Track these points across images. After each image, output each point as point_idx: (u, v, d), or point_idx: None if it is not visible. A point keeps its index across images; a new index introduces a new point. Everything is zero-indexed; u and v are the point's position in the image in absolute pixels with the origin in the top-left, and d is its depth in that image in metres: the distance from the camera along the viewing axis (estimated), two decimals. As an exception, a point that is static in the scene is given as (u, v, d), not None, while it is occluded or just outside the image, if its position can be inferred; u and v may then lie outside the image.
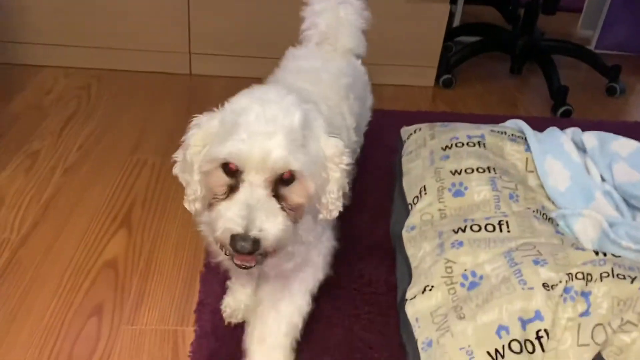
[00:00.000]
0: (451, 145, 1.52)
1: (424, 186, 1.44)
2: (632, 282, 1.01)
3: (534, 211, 1.31)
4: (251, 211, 0.83)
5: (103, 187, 1.69)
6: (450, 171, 1.43)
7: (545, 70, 2.52)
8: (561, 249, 1.14)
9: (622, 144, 1.50)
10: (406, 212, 1.44)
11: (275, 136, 0.83)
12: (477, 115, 2.38)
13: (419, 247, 1.29)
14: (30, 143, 1.88)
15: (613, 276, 1.03)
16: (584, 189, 1.40)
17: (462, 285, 1.13)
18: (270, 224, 0.83)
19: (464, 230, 1.25)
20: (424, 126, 1.72)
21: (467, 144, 1.51)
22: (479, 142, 1.51)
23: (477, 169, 1.41)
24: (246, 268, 0.89)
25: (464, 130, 1.57)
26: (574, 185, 1.41)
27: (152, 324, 1.26)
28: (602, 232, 1.25)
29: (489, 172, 1.40)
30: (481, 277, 1.12)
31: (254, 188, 0.84)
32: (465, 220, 1.28)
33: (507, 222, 1.25)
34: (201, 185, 0.93)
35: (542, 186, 1.45)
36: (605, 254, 1.11)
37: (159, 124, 2.07)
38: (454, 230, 1.26)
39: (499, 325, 1.02)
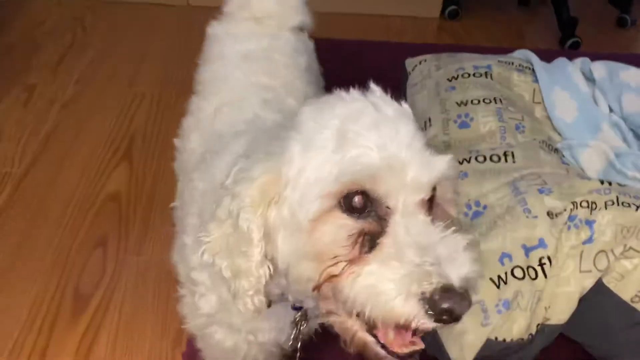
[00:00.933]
0: (457, 76, 1.49)
1: (429, 118, 1.41)
2: (637, 209, 1.01)
3: (540, 142, 1.29)
4: (435, 254, 0.53)
5: (102, 121, 1.67)
6: (456, 102, 1.40)
7: (555, 1, 2.43)
8: (567, 178, 1.13)
9: (632, 75, 1.46)
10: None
11: (417, 140, 0.58)
12: (483, 47, 2.31)
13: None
14: (26, 76, 1.85)
15: (618, 204, 1.02)
16: (590, 120, 1.37)
17: (466, 214, 1.13)
18: (467, 265, 0.54)
19: (468, 161, 1.23)
20: (429, 57, 1.67)
21: (474, 74, 1.48)
22: (485, 73, 1.48)
23: (484, 100, 1.38)
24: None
25: (470, 61, 1.53)
26: (580, 117, 1.39)
27: (158, 254, 1.27)
28: (608, 162, 1.24)
29: (496, 102, 1.37)
30: (485, 207, 1.12)
31: (412, 217, 0.56)
32: (471, 152, 1.26)
33: (512, 152, 1.23)
34: (271, 263, 0.61)
35: (548, 117, 1.43)
36: (610, 183, 1.11)
37: (156, 57, 2.02)
38: (458, 162, 1.24)
39: (502, 252, 1.03)
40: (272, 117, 0.85)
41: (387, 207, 0.56)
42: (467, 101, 1.39)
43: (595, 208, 1.03)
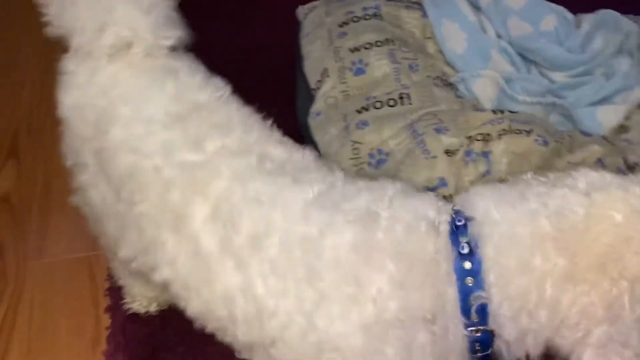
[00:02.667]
0: (348, 21, 1.45)
1: (325, 69, 1.38)
2: (527, 134, 1.04)
3: (433, 78, 1.29)
4: None
5: (-22, 119, 1.53)
6: (349, 49, 1.38)
7: None
8: (461, 113, 1.14)
9: (515, -2, 1.49)
10: (310, 98, 1.40)
11: None
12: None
13: (325, 132, 1.26)
14: None
15: (510, 132, 1.05)
16: (480, 49, 1.39)
17: (370, 164, 1.13)
18: None
19: (367, 109, 1.22)
20: (319, 3, 1.62)
21: (364, 17, 1.45)
22: (374, 14, 1.45)
23: (376, 43, 1.36)
24: None
25: (359, 3, 1.50)
26: (470, 47, 1.40)
27: (62, 255, 1.20)
28: (500, 89, 1.27)
29: (388, 44, 1.36)
30: (387, 154, 1.12)
31: None
32: (368, 99, 1.25)
33: (408, 94, 1.23)
34: None
35: (441, 52, 1.44)
36: (502, 112, 1.13)
37: (32, 41, 1.85)
38: (357, 111, 1.23)
39: (407, 197, 1.04)
40: None
41: None
42: (359, 46, 1.37)
43: (490, 139, 1.05)
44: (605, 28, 1.40)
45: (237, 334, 0.68)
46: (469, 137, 1.05)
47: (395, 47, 1.35)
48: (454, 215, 0.61)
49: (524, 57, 1.39)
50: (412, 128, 1.12)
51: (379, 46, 1.35)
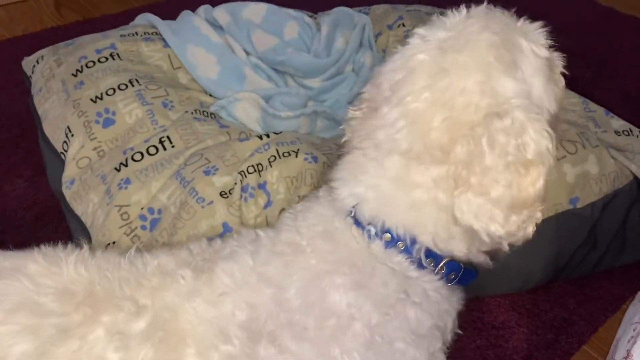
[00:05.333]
0: (81, 67, 1.29)
1: (68, 127, 1.21)
2: (296, 156, 1.01)
3: (192, 112, 1.20)
4: None
5: None
6: (91, 99, 1.22)
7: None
8: (228, 146, 1.08)
9: (253, 10, 1.46)
10: (61, 164, 1.21)
11: None
12: (114, 14, 2.11)
13: (85, 201, 1.10)
14: None
15: (280, 157, 1.01)
16: (233, 70, 1.34)
17: (144, 227, 1.00)
18: None
19: (126, 165, 1.09)
20: (45, 52, 1.42)
21: (99, 60, 1.29)
22: (111, 54, 1.31)
23: (119, 87, 1.22)
24: None
25: (90, 45, 1.34)
26: (223, 70, 1.34)
27: None
28: (261, 109, 1.23)
29: (133, 85, 1.23)
30: (160, 211, 1.01)
31: None
32: (125, 152, 1.12)
33: (167, 136, 1.13)
34: None
35: (195, 80, 1.35)
36: (268, 135, 1.09)
37: None
38: (116, 169, 1.09)
39: (192, 254, 0.94)
40: None
41: None
42: (101, 94, 1.22)
43: (262, 169, 1.00)
44: (342, 26, 1.44)
45: None
46: (241, 172, 0.99)
47: (142, 87, 1.23)
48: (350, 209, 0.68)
49: (277, 71, 1.38)
50: (179, 175, 1.03)
51: (123, 90, 1.22)
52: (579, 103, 1.24)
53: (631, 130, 1.21)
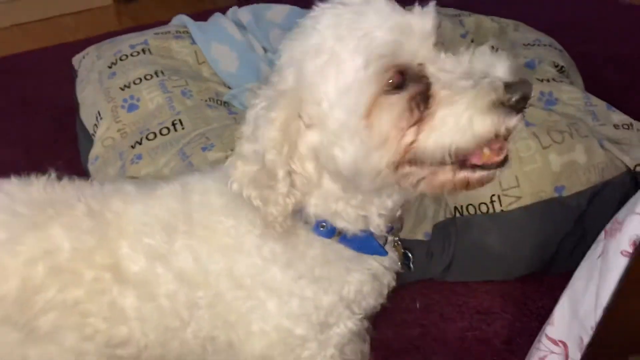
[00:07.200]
0: (116, 60, 1.44)
1: (98, 111, 1.35)
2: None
3: (206, 100, 1.32)
4: (479, 70, 0.60)
5: None
6: (120, 87, 1.36)
7: (217, -42, 2.49)
8: (228, 128, 1.17)
9: (276, 11, 1.57)
10: (91, 144, 1.36)
11: (396, 5, 0.63)
12: (165, 22, 2.29)
13: (104, 175, 1.23)
14: None
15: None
16: (251, 65, 1.45)
17: (146, 196, 1.11)
18: (506, 60, 0.61)
19: (140, 143, 1.21)
20: (91, 49, 1.59)
21: (131, 54, 1.44)
22: (143, 49, 1.45)
23: (145, 77, 1.36)
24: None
25: (126, 41, 1.49)
26: (242, 64, 1.45)
27: None
28: (270, 99, 1.32)
29: (157, 76, 1.36)
30: (161, 182, 1.11)
31: (440, 59, 0.61)
32: (141, 132, 1.25)
33: (179, 120, 1.24)
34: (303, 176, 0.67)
35: (216, 74, 1.47)
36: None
37: None
38: (131, 146, 1.22)
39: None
40: None
41: (419, 64, 0.60)
42: (129, 83, 1.36)
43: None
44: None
45: None
46: (232, 149, 1.08)
47: (165, 78, 1.36)
48: None
49: (292, 65, 1.47)
50: (182, 152, 1.14)
51: (148, 79, 1.35)
52: (581, 98, 1.24)
53: (632, 124, 1.19)
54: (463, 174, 0.62)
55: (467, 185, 0.63)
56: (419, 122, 0.60)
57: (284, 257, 0.73)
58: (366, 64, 0.60)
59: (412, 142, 0.60)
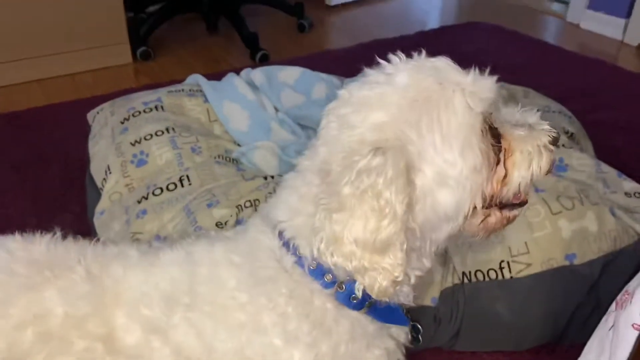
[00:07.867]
0: (129, 116, 1.46)
1: (108, 166, 1.37)
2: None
3: (215, 157, 1.33)
4: (530, 121, 0.73)
5: None
6: (130, 143, 1.38)
7: (234, 22, 2.58)
8: (235, 185, 1.17)
9: (288, 73, 1.60)
10: (99, 199, 1.36)
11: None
12: (180, 80, 2.35)
13: (109, 229, 1.22)
14: None
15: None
16: (261, 124, 1.46)
17: (149, 252, 1.10)
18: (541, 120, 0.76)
19: (146, 198, 1.21)
20: (106, 105, 1.62)
21: (144, 110, 1.47)
22: (155, 106, 1.48)
23: (156, 133, 1.38)
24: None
25: (140, 98, 1.52)
26: (253, 123, 1.47)
27: None
28: (278, 157, 1.33)
29: (168, 132, 1.38)
30: (165, 238, 1.10)
31: (501, 112, 0.72)
32: (149, 187, 1.25)
33: (187, 175, 1.25)
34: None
35: (227, 132, 1.49)
36: (272, 177, 1.18)
37: None
38: (137, 201, 1.22)
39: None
40: None
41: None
42: (140, 139, 1.37)
43: (259, 204, 1.08)
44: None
45: None
46: (238, 206, 1.08)
47: (176, 134, 1.37)
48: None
49: (302, 126, 1.49)
50: (187, 208, 1.13)
51: (159, 136, 1.37)
52: (592, 165, 1.23)
53: (643, 193, 1.18)
54: (506, 213, 0.70)
55: (507, 223, 0.71)
56: (499, 161, 0.68)
57: (309, 337, 0.68)
58: (474, 114, 0.66)
59: (504, 177, 0.68)
